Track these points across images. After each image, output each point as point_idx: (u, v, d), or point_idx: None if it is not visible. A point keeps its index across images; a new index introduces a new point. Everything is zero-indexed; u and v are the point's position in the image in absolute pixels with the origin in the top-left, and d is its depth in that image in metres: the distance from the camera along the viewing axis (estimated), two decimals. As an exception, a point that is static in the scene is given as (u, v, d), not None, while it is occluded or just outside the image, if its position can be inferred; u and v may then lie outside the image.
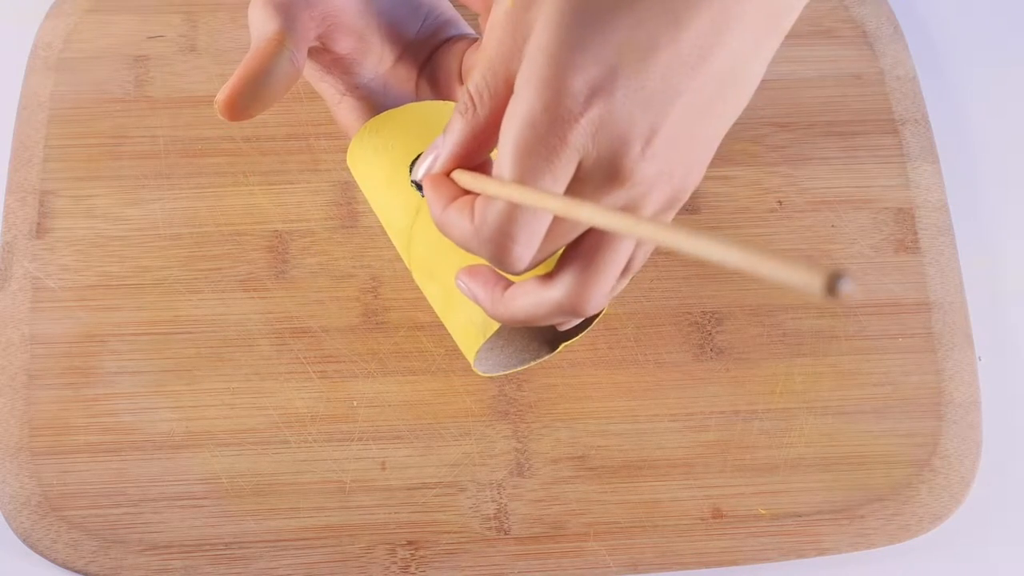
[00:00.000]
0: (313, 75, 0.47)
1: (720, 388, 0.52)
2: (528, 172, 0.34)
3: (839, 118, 0.58)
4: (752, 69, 0.36)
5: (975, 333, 0.53)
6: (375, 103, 0.47)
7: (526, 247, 0.35)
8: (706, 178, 0.43)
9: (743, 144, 0.57)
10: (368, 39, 0.45)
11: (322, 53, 0.45)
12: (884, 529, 0.50)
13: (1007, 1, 0.63)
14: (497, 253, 0.36)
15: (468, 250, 0.37)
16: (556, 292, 0.38)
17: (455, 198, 0.37)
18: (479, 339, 0.44)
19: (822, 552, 0.49)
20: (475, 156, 0.38)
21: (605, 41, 0.33)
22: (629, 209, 0.36)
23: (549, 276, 0.38)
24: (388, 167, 0.45)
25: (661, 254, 0.54)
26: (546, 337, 0.48)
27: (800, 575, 0.50)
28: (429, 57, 0.47)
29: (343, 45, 0.45)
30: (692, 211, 0.55)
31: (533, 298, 0.38)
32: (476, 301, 0.41)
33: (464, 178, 0.37)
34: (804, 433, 0.51)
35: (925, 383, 0.52)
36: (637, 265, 0.39)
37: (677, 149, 0.35)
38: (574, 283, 0.37)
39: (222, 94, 0.41)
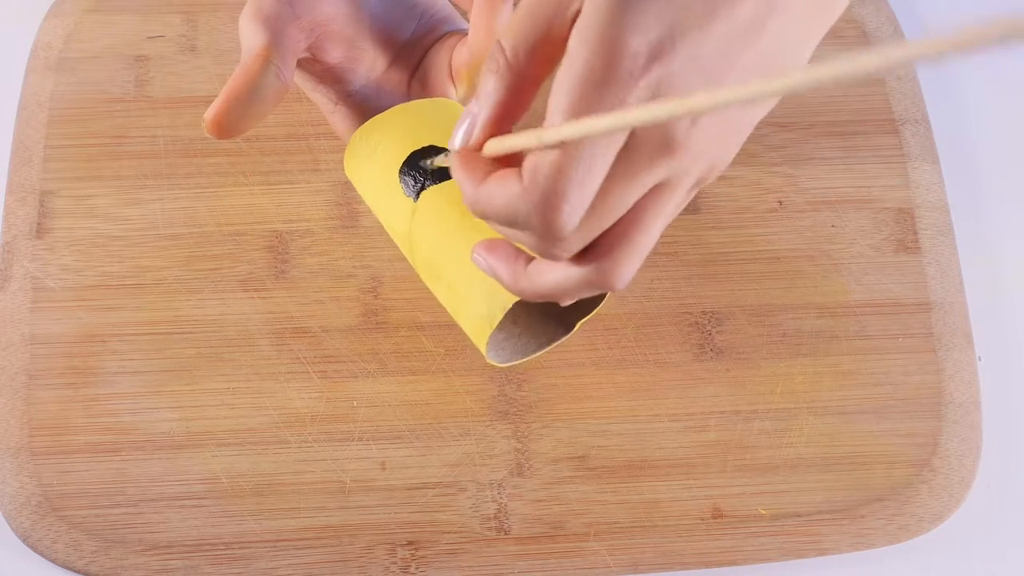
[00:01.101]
0: (305, 85, 0.46)
1: (720, 388, 0.52)
2: None
3: (839, 118, 0.58)
4: (797, 56, 0.35)
5: (975, 333, 0.53)
6: (369, 109, 0.47)
7: (577, 207, 0.33)
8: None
9: (743, 144, 0.57)
10: (359, 46, 0.45)
11: (312, 63, 0.45)
12: (884, 529, 0.50)
13: (1007, 1, 0.63)
14: (547, 214, 0.33)
15: (513, 221, 0.35)
16: (587, 266, 0.36)
17: (487, 174, 0.36)
18: (486, 330, 0.43)
19: (822, 552, 0.49)
20: (510, 119, 0.36)
21: (666, 2, 0.32)
22: (667, 185, 0.35)
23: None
24: (380, 172, 0.45)
25: (661, 253, 0.54)
26: (561, 319, 0.47)
27: (800, 575, 0.50)
28: (423, 58, 0.47)
29: (333, 54, 0.45)
30: (693, 211, 0.55)
31: (561, 272, 0.37)
32: (496, 276, 0.39)
33: (494, 145, 0.35)
34: (804, 433, 0.51)
35: (925, 383, 0.52)
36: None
37: (720, 126, 0.34)
38: (606, 257, 0.36)
39: (210, 113, 0.41)
